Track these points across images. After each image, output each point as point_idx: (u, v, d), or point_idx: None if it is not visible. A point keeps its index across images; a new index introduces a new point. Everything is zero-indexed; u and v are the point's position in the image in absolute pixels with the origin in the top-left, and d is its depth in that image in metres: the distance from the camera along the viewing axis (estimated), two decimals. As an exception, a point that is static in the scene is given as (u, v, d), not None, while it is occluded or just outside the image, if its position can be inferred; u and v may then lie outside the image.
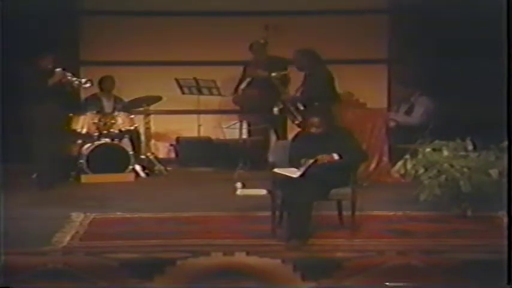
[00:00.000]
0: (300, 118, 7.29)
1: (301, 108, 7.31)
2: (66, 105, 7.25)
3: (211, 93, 8.22)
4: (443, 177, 5.78)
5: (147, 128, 8.06)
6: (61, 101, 7.07)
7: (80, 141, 7.67)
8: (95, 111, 7.71)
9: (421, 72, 8.12)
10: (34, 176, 7.41)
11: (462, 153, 5.87)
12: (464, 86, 7.76)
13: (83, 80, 7.02)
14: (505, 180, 5.08)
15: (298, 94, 7.41)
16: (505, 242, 4.78)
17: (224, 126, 8.03)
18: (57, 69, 6.93)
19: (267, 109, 7.56)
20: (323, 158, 5.39)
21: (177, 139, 8.46)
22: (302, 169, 5.34)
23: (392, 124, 7.63)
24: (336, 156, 5.42)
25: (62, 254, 5.06)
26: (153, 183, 7.57)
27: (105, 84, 8.02)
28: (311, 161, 5.35)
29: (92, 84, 7.17)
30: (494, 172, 5.57)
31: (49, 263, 4.92)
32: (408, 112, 7.80)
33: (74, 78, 6.99)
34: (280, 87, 7.49)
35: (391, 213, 6.09)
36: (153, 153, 8.10)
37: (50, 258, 4.98)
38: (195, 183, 7.45)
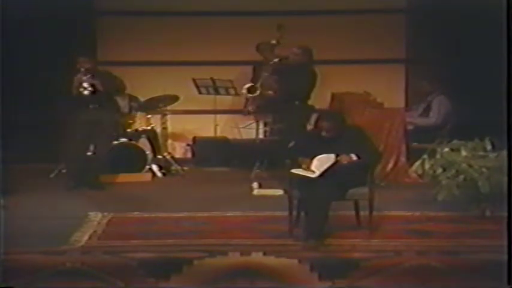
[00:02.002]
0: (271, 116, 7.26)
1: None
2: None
3: (228, 93, 8.22)
4: (461, 177, 5.75)
5: (164, 128, 8.08)
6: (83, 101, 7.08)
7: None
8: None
9: (439, 72, 8.08)
10: (52, 175, 7.46)
11: (481, 153, 5.83)
12: (482, 85, 7.70)
13: (84, 90, 6.96)
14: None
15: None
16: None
17: (241, 126, 8.02)
18: (76, 77, 6.93)
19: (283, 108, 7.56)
20: (342, 159, 5.37)
21: (194, 139, 8.47)
22: (321, 169, 5.33)
23: (410, 125, 7.59)
24: (354, 157, 5.41)
25: (80, 253, 5.09)
26: (170, 183, 7.58)
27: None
28: (330, 162, 5.33)
29: (94, 93, 7.02)
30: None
31: (67, 262, 4.95)
32: (426, 112, 7.76)
33: (86, 85, 6.95)
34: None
35: (409, 214, 6.07)
36: (169, 153, 8.12)
37: (68, 257, 5.00)
38: (212, 183, 7.46)
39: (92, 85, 6.97)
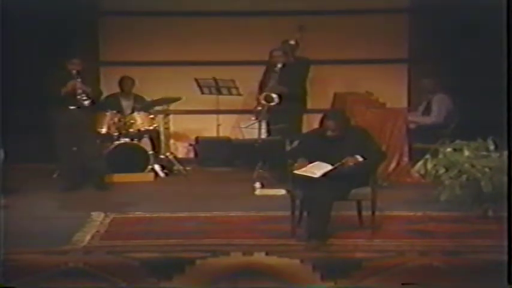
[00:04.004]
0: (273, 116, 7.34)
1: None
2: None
3: (230, 93, 8.22)
4: (464, 177, 5.74)
5: (166, 128, 8.09)
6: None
7: (99, 141, 7.69)
8: (115, 111, 7.73)
9: (441, 72, 8.07)
10: (55, 175, 7.47)
11: (483, 153, 5.82)
12: (485, 85, 7.70)
13: (85, 101, 6.93)
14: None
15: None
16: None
17: (243, 126, 8.03)
18: (71, 82, 6.90)
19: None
20: (348, 161, 5.37)
21: (196, 139, 8.47)
22: (324, 170, 5.33)
23: (412, 124, 7.59)
24: (360, 159, 5.40)
25: (82, 253, 5.09)
26: (172, 183, 7.58)
27: (124, 85, 8.04)
28: (336, 164, 5.33)
29: (94, 103, 7.04)
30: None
31: (70, 262, 4.95)
32: (427, 111, 7.77)
33: (82, 95, 6.93)
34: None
35: (411, 214, 6.06)
36: (172, 153, 8.13)
37: (71, 257, 5.01)
38: (214, 183, 7.46)
39: (85, 92, 6.93)
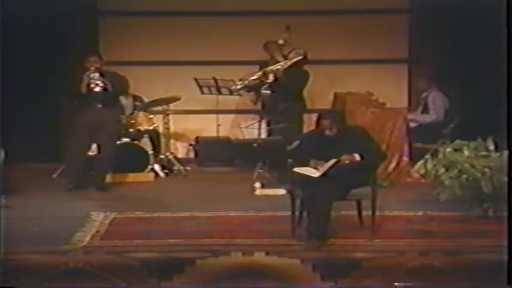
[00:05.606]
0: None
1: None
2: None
3: (230, 93, 8.23)
4: (464, 177, 5.74)
5: (166, 128, 8.09)
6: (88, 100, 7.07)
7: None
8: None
9: (442, 72, 8.08)
10: (55, 175, 7.47)
11: (483, 153, 5.83)
12: (485, 84, 7.71)
13: (96, 87, 6.96)
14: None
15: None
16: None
17: (243, 126, 8.03)
18: (86, 74, 6.93)
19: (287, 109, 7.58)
20: (345, 158, 5.37)
21: (196, 139, 8.47)
22: (323, 169, 5.33)
23: (412, 124, 7.60)
24: (357, 157, 5.40)
25: (82, 253, 5.09)
26: (172, 182, 7.58)
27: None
28: (333, 161, 5.33)
29: (106, 91, 7.02)
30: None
31: (70, 262, 4.95)
32: (425, 110, 7.80)
33: (98, 82, 6.95)
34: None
35: (411, 214, 6.06)
36: (172, 153, 8.13)
37: (71, 257, 5.01)
38: (214, 183, 7.46)
39: (103, 82, 6.95)
